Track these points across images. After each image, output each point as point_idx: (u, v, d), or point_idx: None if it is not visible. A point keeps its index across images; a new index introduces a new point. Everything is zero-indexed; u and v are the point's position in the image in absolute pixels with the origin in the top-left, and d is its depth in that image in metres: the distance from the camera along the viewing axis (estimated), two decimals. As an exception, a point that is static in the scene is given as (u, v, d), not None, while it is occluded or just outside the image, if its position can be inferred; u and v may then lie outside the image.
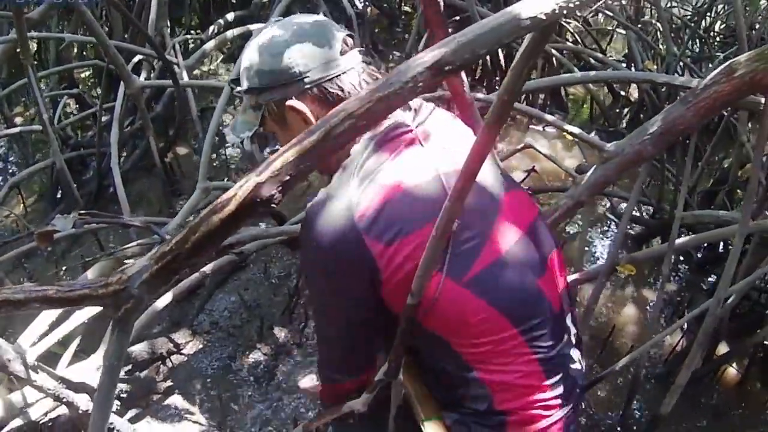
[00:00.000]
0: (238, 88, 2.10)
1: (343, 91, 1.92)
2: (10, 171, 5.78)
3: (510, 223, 1.98)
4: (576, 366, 2.11)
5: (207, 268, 3.34)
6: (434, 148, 1.99)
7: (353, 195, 1.86)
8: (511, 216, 2.00)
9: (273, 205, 1.20)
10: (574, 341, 2.14)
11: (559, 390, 2.01)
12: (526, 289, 1.95)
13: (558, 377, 2.00)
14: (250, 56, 2.02)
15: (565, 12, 1.22)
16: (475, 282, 1.86)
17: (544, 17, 1.20)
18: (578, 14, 7.15)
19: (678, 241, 3.03)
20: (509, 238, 1.96)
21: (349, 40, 2.05)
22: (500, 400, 1.99)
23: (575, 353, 2.13)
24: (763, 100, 2.24)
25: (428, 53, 1.17)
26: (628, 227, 4.88)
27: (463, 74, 2.28)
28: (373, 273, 1.86)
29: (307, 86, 1.96)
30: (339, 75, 1.98)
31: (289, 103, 1.97)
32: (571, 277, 3.07)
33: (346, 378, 2.25)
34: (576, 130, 2.90)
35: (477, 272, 1.86)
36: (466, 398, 2.05)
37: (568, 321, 2.12)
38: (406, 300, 1.81)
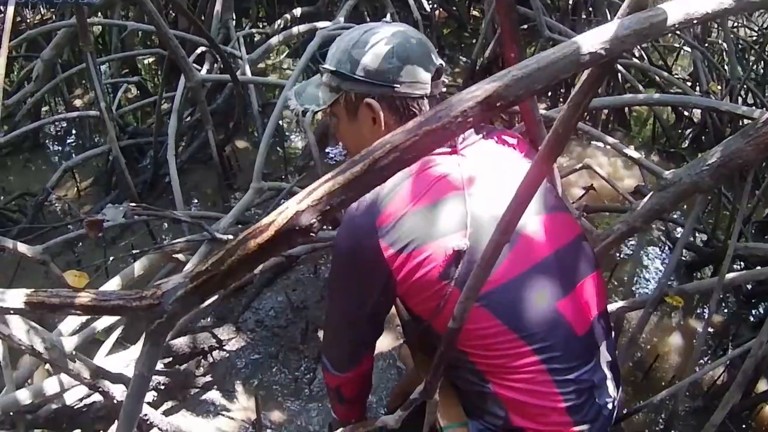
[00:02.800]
0: (326, 65, 2.17)
1: (421, 112, 1.97)
2: (69, 154, 5.81)
3: (537, 245, 2.02)
4: (606, 393, 2.10)
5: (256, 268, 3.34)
6: (470, 171, 2.05)
7: (381, 201, 1.98)
8: (542, 238, 2.05)
9: (312, 234, 1.19)
10: (606, 368, 2.12)
11: (581, 415, 2.02)
12: (541, 310, 1.98)
13: (579, 401, 2.01)
14: (353, 43, 2.11)
15: (625, 47, 1.20)
16: (486, 297, 1.91)
17: (603, 53, 1.17)
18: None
19: (728, 276, 2.98)
20: (531, 259, 2.01)
21: (441, 70, 2.15)
22: (516, 417, 2.03)
23: (607, 380, 2.12)
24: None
25: (481, 87, 1.16)
26: (683, 254, 4.83)
27: None
28: (387, 275, 2.00)
29: (393, 95, 2.06)
30: (422, 97, 2.09)
31: (368, 100, 2.09)
32: (617, 304, 3.04)
33: (351, 363, 2.41)
34: (635, 154, 2.88)
35: (490, 289, 1.91)
36: (484, 412, 2.11)
37: (602, 347, 2.12)
38: (423, 302, 2.02)
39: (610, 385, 2.13)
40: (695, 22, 1.28)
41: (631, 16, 1.24)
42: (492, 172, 2.09)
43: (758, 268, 3.94)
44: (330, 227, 3.63)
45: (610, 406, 2.12)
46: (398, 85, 2.07)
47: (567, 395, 1.99)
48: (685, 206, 5.20)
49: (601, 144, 6.13)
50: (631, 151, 2.89)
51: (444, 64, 2.22)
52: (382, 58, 2.06)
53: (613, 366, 2.18)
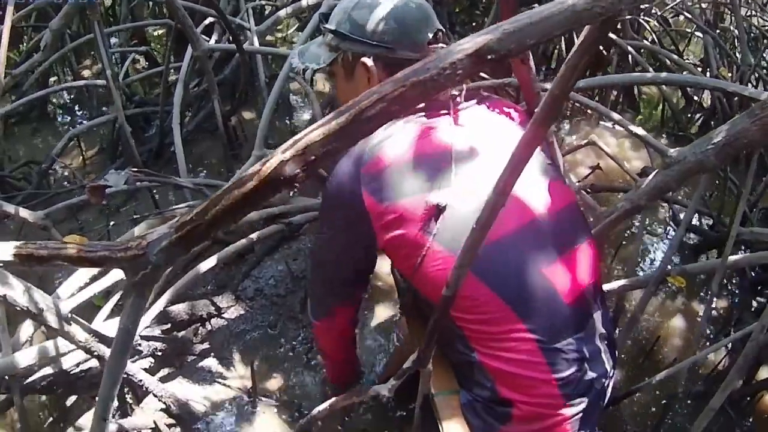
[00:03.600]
0: (327, 25, 2.27)
1: None
2: (78, 122, 5.82)
3: (524, 209, 2.04)
4: (599, 367, 2.10)
5: (254, 235, 3.34)
6: (461, 133, 2.11)
7: (368, 150, 2.05)
8: (531, 202, 2.07)
9: (296, 184, 1.18)
10: (599, 341, 2.12)
11: (571, 388, 2.01)
12: (526, 274, 1.99)
13: (568, 373, 2.00)
14: (353, 4, 2.20)
15: (623, 6, 1.17)
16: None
17: (601, 9, 1.15)
18: (658, 13, 7.07)
19: (731, 258, 2.96)
20: (518, 222, 2.03)
21: (441, 36, 2.21)
22: (503, 388, 2.03)
23: (601, 353, 2.12)
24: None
25: (471, 39, 1.13)
26: (686, 236, 4.81)
27: (531, 63, 2.27)
28: (368, 223, 2.07)
29: (388, 56, 2.15)
30: (418, 60, 2.04)
31: (363, 59, 2.17)
32: (619, 283, 3.03)
33: (326, 309, 2.52)
34: (641, 131, 2.86)
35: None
36: (473, 383, 2.11)
37: (595, 318, 2.12)
38: (403, 259, 2.08)
39: (605, 358, 2.12)
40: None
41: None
42: (484, 135, 2.13)
43: (746, 252, 3.95)
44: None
45: (604, 380, 2.11)
46: (393, 47, 2.15)
47: (555, 366, 1.98)
48: (690, 189, 5.18)
49: (608, 124, 6.14)
50: (636, 128, 2.87)
51: (445, 30, 2.28)
52: (380, 19, 2.14)
53: (608, 340, 2.17)
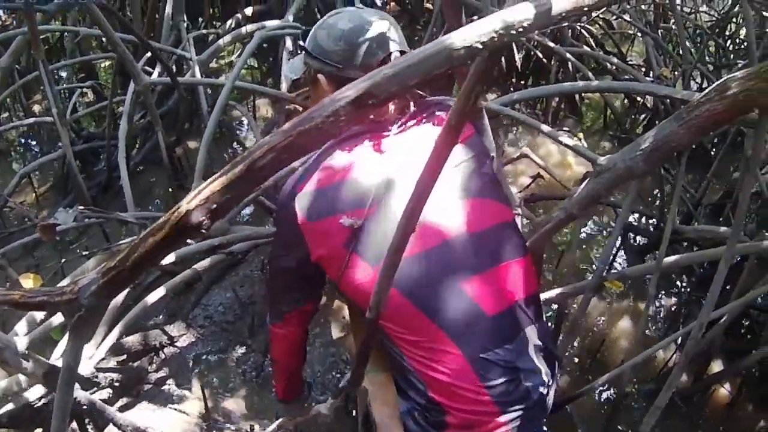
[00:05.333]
0: (301, 42, 2.49)
1: None
2: (29, 159, 5.81)
3: (446, 226, 2.12)
4: (536, 377, 2.15)
5: (199, 266, 3.39)
6: (388, 156, 2.24)
7: (306, 171, 2.24)
8: (453, 220, 2.15)
9: (203, 231, 1.25)
10: (534, 352, 2.17)
11: (504, 396, 2.07)
12: (443, 288, 2.07)
13: (498, 382, 2.06)
14: (321, 24, 2.40)
15: (506, 39, 1.24)
16: None
17: (480, 46, 1.21)
18: (600, 17, 7.14)
19: (669, 259, 3.02)
20: (441, 239, 2.12)
21: (396, 56, 2.31)
22: (435, 395, 2.09)
23: (536, 364, 2.16)
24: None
25: (353, 86, 1.21)
26: (633, 238, 4.88)
27: None
28: (301, 238, 2.25)
29: (337, 74, 2.29)
30: None
31: (319, 75, 2.33)
32: (558, 290, 3.08)
33: (278, 316, 2.63)
34: (570, 141, 2.89)
35: None
36: (409, 387, 2.18)
37: (528, 332, 2.17)
38: (331, 271, 2.24)
39: (541, 369, 2.17)
40: (586, 9, 1.31)
41: (511, 8, 1.28)
42: (406, 161, 2.19)
43: (696, 249, 4.01)
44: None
45: (542, 390, 2.16)
46: (342, 66, 2.28)
47: (484, 375, 2.04)
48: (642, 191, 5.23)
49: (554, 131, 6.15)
50: (565, 138, 2.91)
51: (405, 52, 2.35)
52: (332, 39, 2.30)
53: (546, 351, 2.23)
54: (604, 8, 6.64)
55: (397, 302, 2.04)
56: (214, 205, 1.21)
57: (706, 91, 2.02)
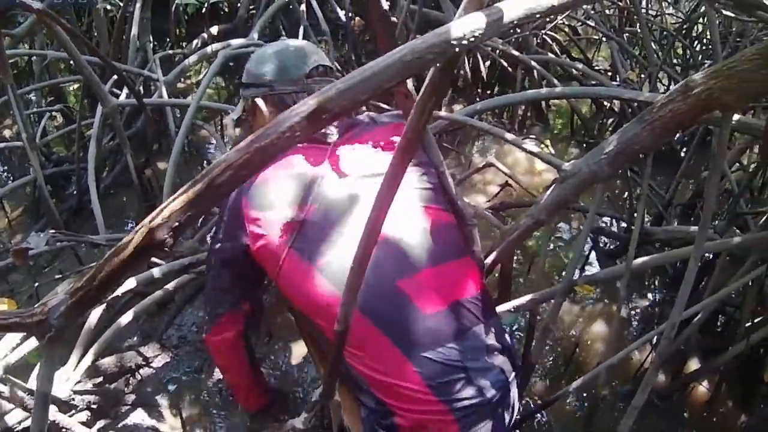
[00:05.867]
0: (238, 81, 2.67)
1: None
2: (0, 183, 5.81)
3: (384, 229, 2.07)
4: (490, 374, 2.16)
5: (170, 286, 3.39)
6: (335, 160, 2.34)
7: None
8: (394, 225, 2.16)
9: (166, 249, 1.27)
10: (485, 352, 2.18)
11: (452, 395, 2.07)
12: (378, 286, 2.10)
13: (444, 380, 2.07)
14: (251, 57, 2.61)
15: (458, 49, 1.25)
16: (326, 267, 2.12)
17: (432, 57, 1.23)
18: (564, 23, 7.18)
19: (638, 260, 3.03)
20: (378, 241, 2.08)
21: (321, 68, 2.52)
22: (382, 397, 2.11)
23: (488, 362, 2.17)
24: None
25: (305, 102, 1.22)
26: (604, 241, 4.91)
27: (414, 96, 2.32)
28: (243, 229, 2.32)
29: (271, 93, 2.47)
30: (298, 92, 2.45)
31: (256, 100, 2.48)
32: (528, 297, 3.09)
33: (213, 318, 2.59)
34: (534, 148, 2.92)
35: (329, 260, 2.12)
36: (359, 393, 2.21)
37: (478, 330, 2.19)
38: (270, 265, 2.28)
39: (496, 366, 2.18)
40: (539, 16, 1.33)
41: (462, 18, 1.28)
42: (353, 165, 2.32)
43: (666, 250, 4.04)
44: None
45: (498, 388, 2.15)
46: (273, 84, 2.48)
47: (426, 373, 2.05)
48: (608, 194, 5.27)
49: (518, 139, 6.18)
50: (530, 146, 2.93)
51: (330, 66, 2.58)
52: (261, 63, 2.51)
53: (502, 350, 2.24)
54: (564, 15, 6.71)
55: (332, 299, 2.07)
56: (177, 223, 1.23)
57: (669, 91, 2.03)
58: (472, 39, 1.25)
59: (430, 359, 2.06)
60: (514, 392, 2.27)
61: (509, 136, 3.09)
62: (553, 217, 2.89)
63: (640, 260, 3.08)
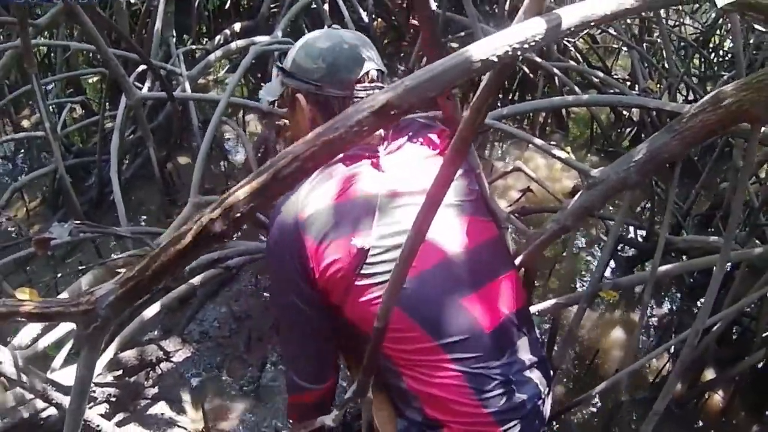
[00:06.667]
0: (278, 63, 2.47)
1: (341, 111, 2.05)
2: (19, 174, 5.80)
3: (446, 247, 2.13)
4: (530, 389, 2.17)
5: (195, 280, 3.39)
6: (385, 177, 2.21)
7: (302, 197, 2.13)
8: (448, 238, 2.16)
9: (225, 240, 1.26)
10: (527, 365, 2.20)
11: (499, 408, 2.09)
12: (445, 305, 2.09)
13: (493, 395, 2.08)
14: (299, 44, 2.38)
15: (519, 53, 1.26)
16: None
17: (495, 59, 1.24)
18: (582, 32, 7.17)
19: (662, 268, 3.03)
20: (439, 259, 2.13)
21: (373, 74, 2.32)
22: (431, 412, 2.11)
23: (529, 375, 2.19)
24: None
25: (375, 97, 1.22)
26: (623, 249, 4.91)
27: (456, 99, 2.32)
28: (306, 268, 2.11)
29: (317, 93, 2.26)
30: (344, 98, 2.26)
31: (298, 95, 2.31)
32: (553, 301, 3.10)
33: (303, 387, 2.38)
34: (562, 154, 2.90)
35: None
36: (405, 407, 2.20)
37: (519, 345, 2.20)
38: (336, 295, 2.13)
39: (535, 380, 2.20)
40: (593, 24, 1.34)
41: (523, 22, 1.29)
42: (407, 177, 2.21)
43: (685, 258, 4.04)
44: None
45: (536, 401, 2.18)
46: (321, 84, 2.26)
47: (480, 390, 2.07)
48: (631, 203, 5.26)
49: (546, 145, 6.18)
50: (558, 152, 2.92)
51: (382, 71, 2.39)
52: (310, 58, 2.28)
53: (538, 363, 2.25)
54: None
55: (400, 322, 2.05)
56: (238, 214, 1.23)
57: (700, 102, 2.03)
58: (533, 43, 1.26)
59: (484, 375, 2.07)
60: (547, 405, 2.29)
61: (538, 141, 3.08)
62: (579, 223, 2.89)
63: (663, 268, 3.08)
